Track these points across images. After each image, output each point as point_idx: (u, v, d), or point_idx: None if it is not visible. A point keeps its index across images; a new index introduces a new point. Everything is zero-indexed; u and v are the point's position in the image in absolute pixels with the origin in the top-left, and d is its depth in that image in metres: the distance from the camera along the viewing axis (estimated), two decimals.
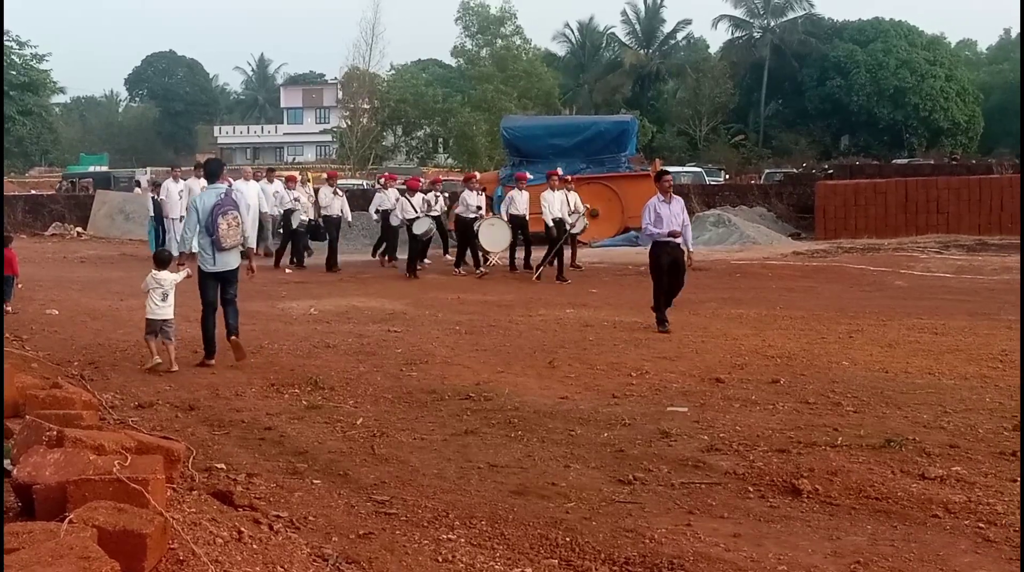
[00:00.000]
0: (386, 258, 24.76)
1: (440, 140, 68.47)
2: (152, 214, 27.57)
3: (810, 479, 7.05)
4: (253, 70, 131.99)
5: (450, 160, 67.40)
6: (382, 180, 26.66)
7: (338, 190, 25.08)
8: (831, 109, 75.81)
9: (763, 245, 28.99)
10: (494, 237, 22.82)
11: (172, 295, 11.60)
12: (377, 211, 25.06)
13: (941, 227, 29.69)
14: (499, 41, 65.89)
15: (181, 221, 25.99)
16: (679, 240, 14.37)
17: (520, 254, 23.23)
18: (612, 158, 29.93)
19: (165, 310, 11.48)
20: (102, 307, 16.66)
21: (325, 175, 27.88)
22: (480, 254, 23.05)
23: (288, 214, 24.14)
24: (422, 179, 24.73)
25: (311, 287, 19.96)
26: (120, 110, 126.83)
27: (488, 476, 7.35)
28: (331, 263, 23.63)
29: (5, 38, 61.83)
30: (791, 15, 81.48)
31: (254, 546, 5.40)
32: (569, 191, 22.70)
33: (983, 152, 68.30)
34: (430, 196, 23.33)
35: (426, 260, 23.75)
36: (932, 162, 44.57)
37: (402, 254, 23.72)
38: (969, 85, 76.72)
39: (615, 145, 30.17)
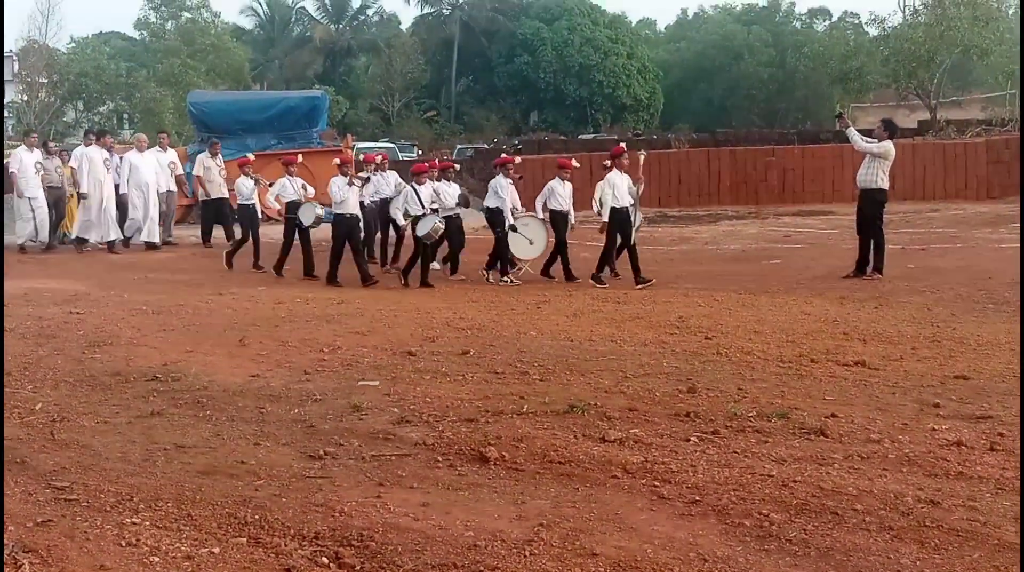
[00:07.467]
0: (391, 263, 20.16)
1: (125, 116, 66.13)
2: None
3: (497, 446, 7.22)
4: None
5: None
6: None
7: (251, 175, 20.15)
8: (520, 86, 77.16)
9: None
10: (526, 242, 18.92)
11: None
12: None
13: None
14: (184, 14, 64.16)
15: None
16: None
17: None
18: (303, 134, 29.80)
19: None
20: None
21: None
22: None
23: (294, 207, 18.69)
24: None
25: None
26: None
27: (175, 457, 7.19)
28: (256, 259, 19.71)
29: None
30: None
31: None
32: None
33: (663, 127, 71.00)
34: (441, 184, 18.42)
35: (435, 264, 18.67)
36: (616, 137, 46.07)
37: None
38: (649, 63, 79.62)
39: (306, 121, 30.03)
